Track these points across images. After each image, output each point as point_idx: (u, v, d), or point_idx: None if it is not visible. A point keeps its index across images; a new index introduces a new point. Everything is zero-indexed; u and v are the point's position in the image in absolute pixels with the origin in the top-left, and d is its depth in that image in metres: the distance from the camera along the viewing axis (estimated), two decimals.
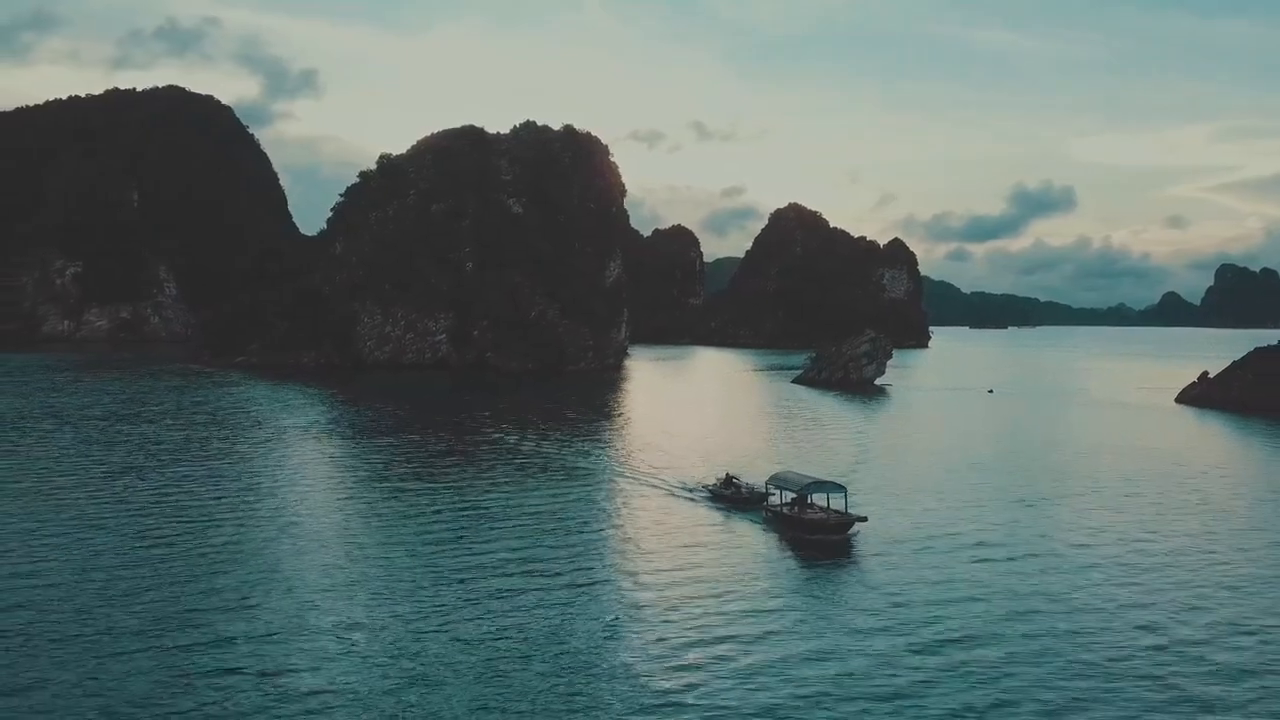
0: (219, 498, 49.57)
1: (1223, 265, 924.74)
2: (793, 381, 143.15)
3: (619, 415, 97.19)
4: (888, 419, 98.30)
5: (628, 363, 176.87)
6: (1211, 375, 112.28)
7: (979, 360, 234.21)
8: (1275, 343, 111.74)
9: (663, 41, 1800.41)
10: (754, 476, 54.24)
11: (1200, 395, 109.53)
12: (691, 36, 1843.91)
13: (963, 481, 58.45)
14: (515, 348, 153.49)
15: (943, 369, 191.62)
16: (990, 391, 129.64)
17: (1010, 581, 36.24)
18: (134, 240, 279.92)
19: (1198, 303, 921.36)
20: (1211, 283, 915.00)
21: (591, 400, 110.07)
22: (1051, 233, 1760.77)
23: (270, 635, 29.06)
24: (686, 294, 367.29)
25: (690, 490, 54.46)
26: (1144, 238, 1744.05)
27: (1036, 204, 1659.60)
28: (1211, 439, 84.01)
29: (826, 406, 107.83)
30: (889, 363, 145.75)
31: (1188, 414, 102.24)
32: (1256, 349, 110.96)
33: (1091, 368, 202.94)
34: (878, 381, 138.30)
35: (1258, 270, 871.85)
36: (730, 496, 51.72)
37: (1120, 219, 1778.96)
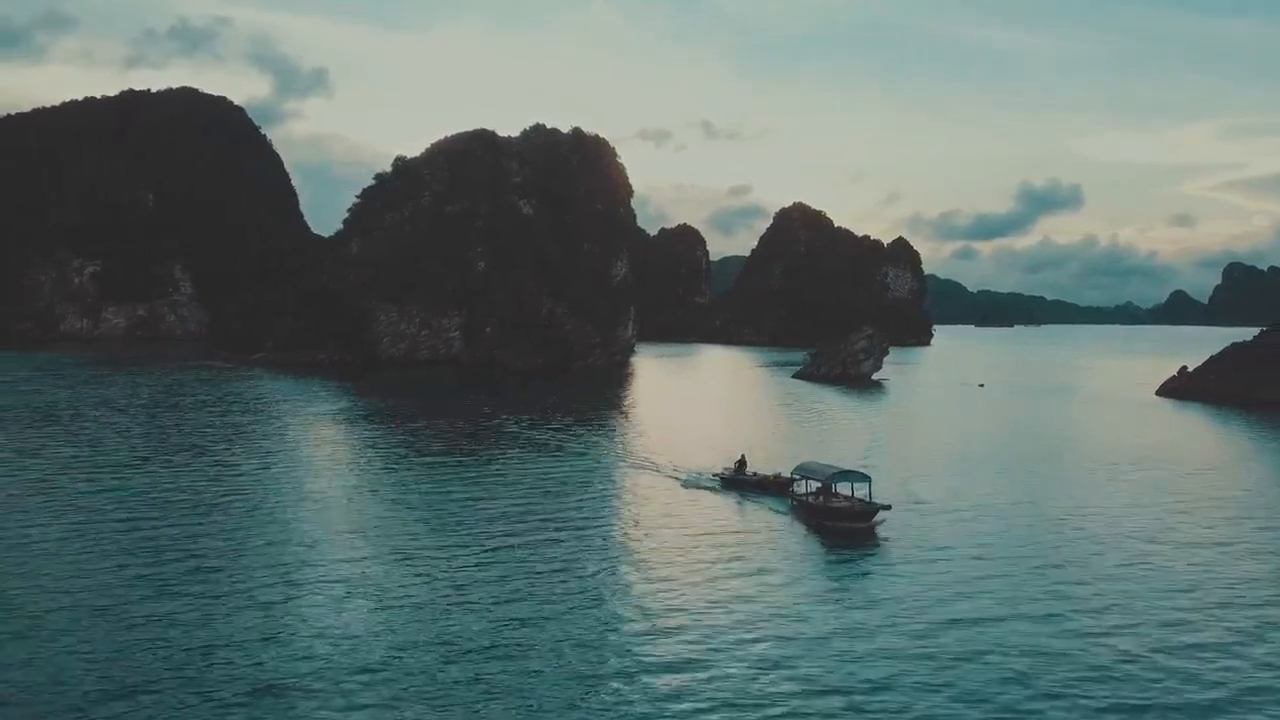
0: (261, 473, 55.46)
1: (1230, 264, 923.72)
2: (793, 376, 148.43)
3: (628, 408, 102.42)
4: (883, 411, 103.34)
5: (634, 360, 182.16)
6: (1190, 369, 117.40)
7: (977, 357, 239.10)
8: (1251, 339, 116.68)
9: (669, 40, 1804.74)
10: (757, 464, 57.11)
11: (1178, 388, 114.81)
12: (697, 35, 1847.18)
13: (963, 468, 61.62)
14: (524, 345, 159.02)
15: (939, 365, 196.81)
16: (981, 386, 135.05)
17: (1024, 559, 39.07)
18: (149, 240, 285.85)
19: (1205, 301, 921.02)
20: (1219, 281, 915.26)
21: (601, 394, 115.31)
22: (1059, 231, 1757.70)
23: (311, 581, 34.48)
24: (692, 292, 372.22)
25: (703, 476, 56.56)
26: (1151, 236, 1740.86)
27: (1044, 202, 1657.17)
28: (1180, 426, 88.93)
29: (824, 399, 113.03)
30: (886, 359, 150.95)
31: (1165, 405, 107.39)
32: (1233, 344, 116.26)
33: (1089, 365, 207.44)
34: (875, 377, 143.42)
35: (1265, 269, 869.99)
36: (747, 480, 53.89)
37: (1127, 217, 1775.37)
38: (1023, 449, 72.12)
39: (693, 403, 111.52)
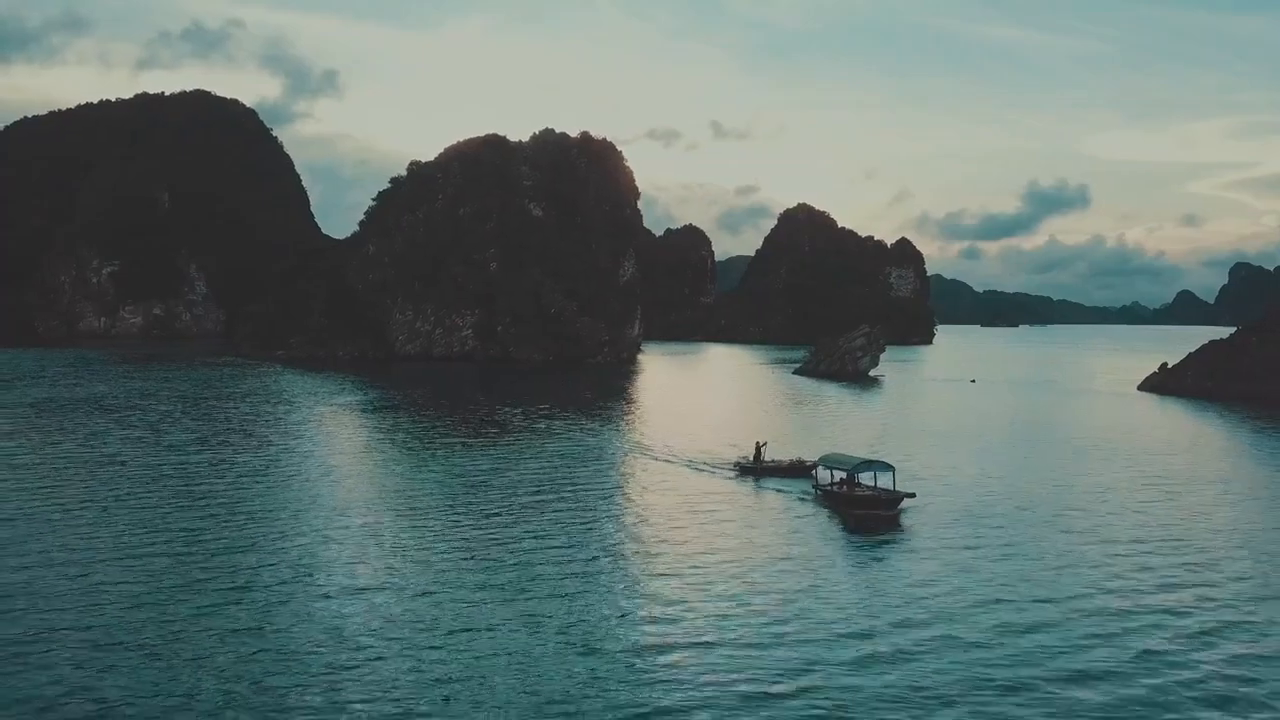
0: (300, 451, 61.45)
1: (1237, 264, 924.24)
2: (793, 373, 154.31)
3: (639, 401, 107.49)
4: (874, 404, 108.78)
5: (641, 357, 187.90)
6: (1170, 366, 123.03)
7: (975, 355, 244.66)
8: (1227, 336, 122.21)
9: (675, 39, 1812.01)
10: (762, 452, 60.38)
11: (1159, 383, 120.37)
12: (703, 33, 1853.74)
13: (945, 456, 65.21)
14: (535, 342, 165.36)
15: (937, 362, 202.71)
16: (973, 381, 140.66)
17: (1042, 540, 41.58)
18: (165, 240, 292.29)
19: (1212, 301, 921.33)
20: (1225, 281, 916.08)
21: (612, 389, 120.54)
22: (1066, 230, 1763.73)
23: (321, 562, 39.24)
24: (698, 292, 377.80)
25: (721, 463, 59.32)
26: (1158, 235, 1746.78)
27: (1051, 202, 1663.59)
28: (1150, 417, 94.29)
29: (822, 393, 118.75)
30: (882, 355, 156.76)
31: (1146, 399, 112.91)
32: (1211, 341, 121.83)
33: (1083, 362, 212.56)
34: (872, 373, 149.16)
35: (1272, 268, 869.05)
36: (765, 467, 56.45)
37: (1135, 216, 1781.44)
38: (1005, 439, 77.10)
39: (698, 396, 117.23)
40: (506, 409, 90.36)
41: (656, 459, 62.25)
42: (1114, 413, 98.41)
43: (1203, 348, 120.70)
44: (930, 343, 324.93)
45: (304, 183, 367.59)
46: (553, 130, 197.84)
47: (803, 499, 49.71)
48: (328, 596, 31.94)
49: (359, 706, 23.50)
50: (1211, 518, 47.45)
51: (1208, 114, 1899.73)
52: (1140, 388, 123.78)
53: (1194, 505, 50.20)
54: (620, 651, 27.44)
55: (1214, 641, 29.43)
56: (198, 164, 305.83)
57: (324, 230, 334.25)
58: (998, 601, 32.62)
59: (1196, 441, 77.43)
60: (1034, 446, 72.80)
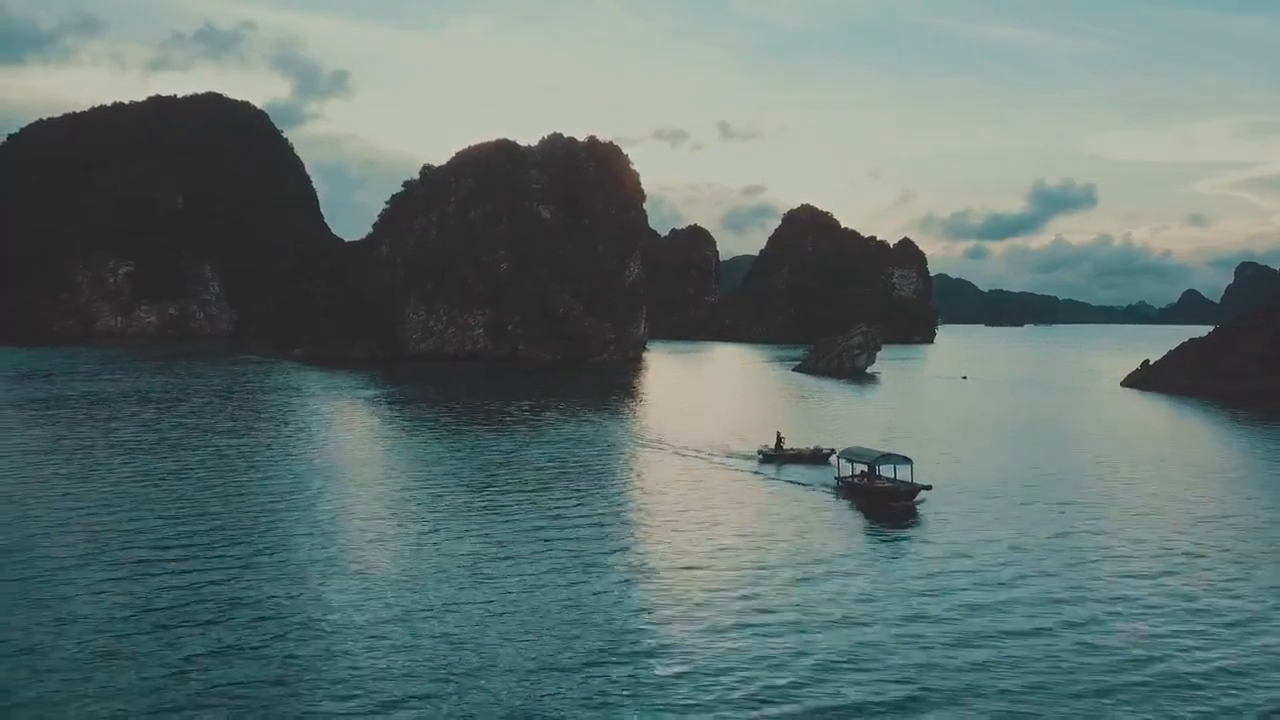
0: (328, 441, 67.35)
1: (1243, 263, 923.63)
2: (793, 370, 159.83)
3: (645, 397, 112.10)
4: (874, 400, 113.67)
5: (646, 356, 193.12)
6: (1152, 363, 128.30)
7: (973, 354, 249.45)
8: (1205, 335, 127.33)
9: (678, 39, 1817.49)
10: (762, 442, 64.23)
11: (1140, 380, 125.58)
12: (706, 33, 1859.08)
13: (966, 451, 67.53)
14: (544, 341, 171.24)
15: (934, 361, 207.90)
16: (964, 378, 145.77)
17: (1054, 530, 42.95)
18: (179, 241, 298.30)
19: (1218, 301, 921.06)
20: (1232, 281, 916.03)
21: (618, 385, 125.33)
22: (1072, 230, 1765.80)
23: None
24: (701, 291, 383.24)
25: (734, 456, 61.67)
26: (1165, 235, 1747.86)
27: (1057, 201, 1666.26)
28: (1126, 411, 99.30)
29: (821, 390, 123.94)
30: (881, 354, 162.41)
31: (1128, 395, 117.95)
32: (1190, 339, 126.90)
33: (1075, 360, 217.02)
34: (869, 370, 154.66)
35: (1279, 269, 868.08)
36: (786, 455, 59.12)
37: (1141, 216, 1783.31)
38: (998, 433, 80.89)
39: (703, 392, 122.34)
40: (518, 404, 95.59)
41: (670, 450, 64.96)
42: (1089, 407, 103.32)
43: (1181, 345, 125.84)
44: (931, 342, 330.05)
45: (316, 183, 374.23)
46: (560, 134, 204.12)
47: (824, 490, 51.62)
48: (367, 551, 37.51)
49: (388, 655, 26.53)
50: (1191, 500, 52.21)
51: (1209, 114, 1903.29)
52: (1123, 384, 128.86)
53: (1166, 490, 55.37)
54: (630, 629, 28.99)
55: (1238, 626, 30.65)
56: (210, 166, 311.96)
57: (332, 230, 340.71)
58: (1010, 583, 34.68)
59: (1162, 432, 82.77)
60: (1023, 440, 76.57)
